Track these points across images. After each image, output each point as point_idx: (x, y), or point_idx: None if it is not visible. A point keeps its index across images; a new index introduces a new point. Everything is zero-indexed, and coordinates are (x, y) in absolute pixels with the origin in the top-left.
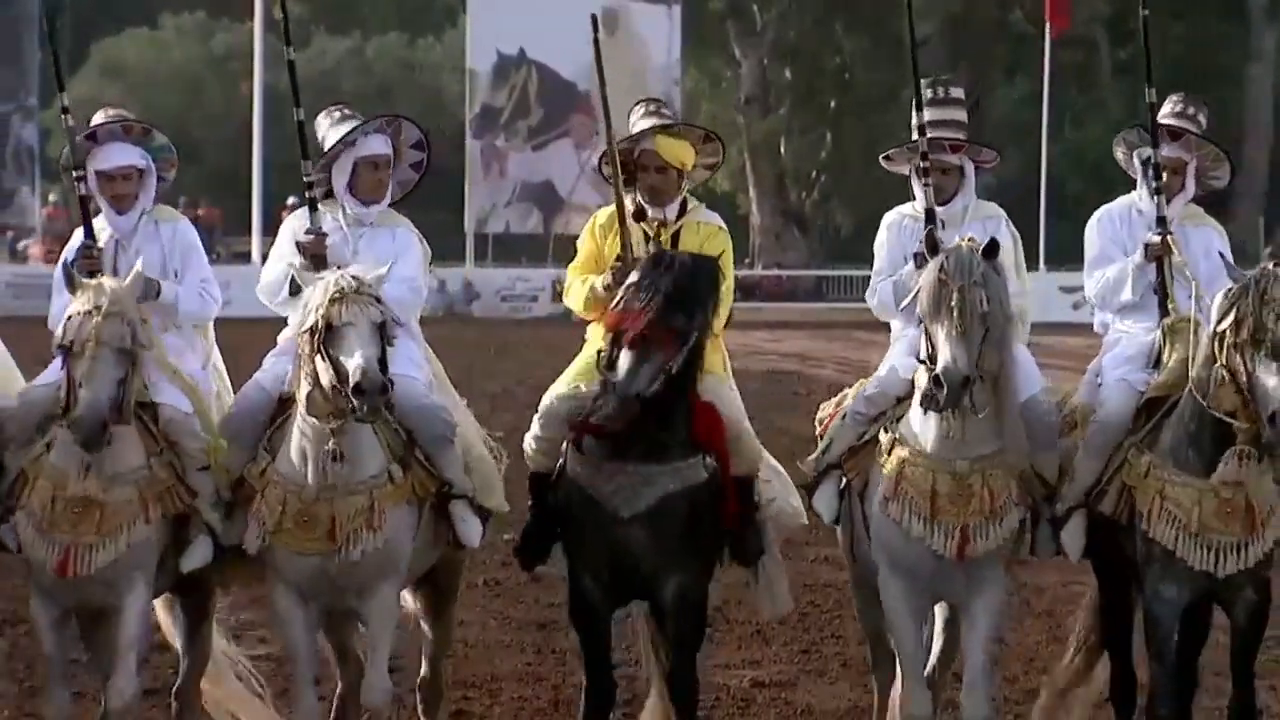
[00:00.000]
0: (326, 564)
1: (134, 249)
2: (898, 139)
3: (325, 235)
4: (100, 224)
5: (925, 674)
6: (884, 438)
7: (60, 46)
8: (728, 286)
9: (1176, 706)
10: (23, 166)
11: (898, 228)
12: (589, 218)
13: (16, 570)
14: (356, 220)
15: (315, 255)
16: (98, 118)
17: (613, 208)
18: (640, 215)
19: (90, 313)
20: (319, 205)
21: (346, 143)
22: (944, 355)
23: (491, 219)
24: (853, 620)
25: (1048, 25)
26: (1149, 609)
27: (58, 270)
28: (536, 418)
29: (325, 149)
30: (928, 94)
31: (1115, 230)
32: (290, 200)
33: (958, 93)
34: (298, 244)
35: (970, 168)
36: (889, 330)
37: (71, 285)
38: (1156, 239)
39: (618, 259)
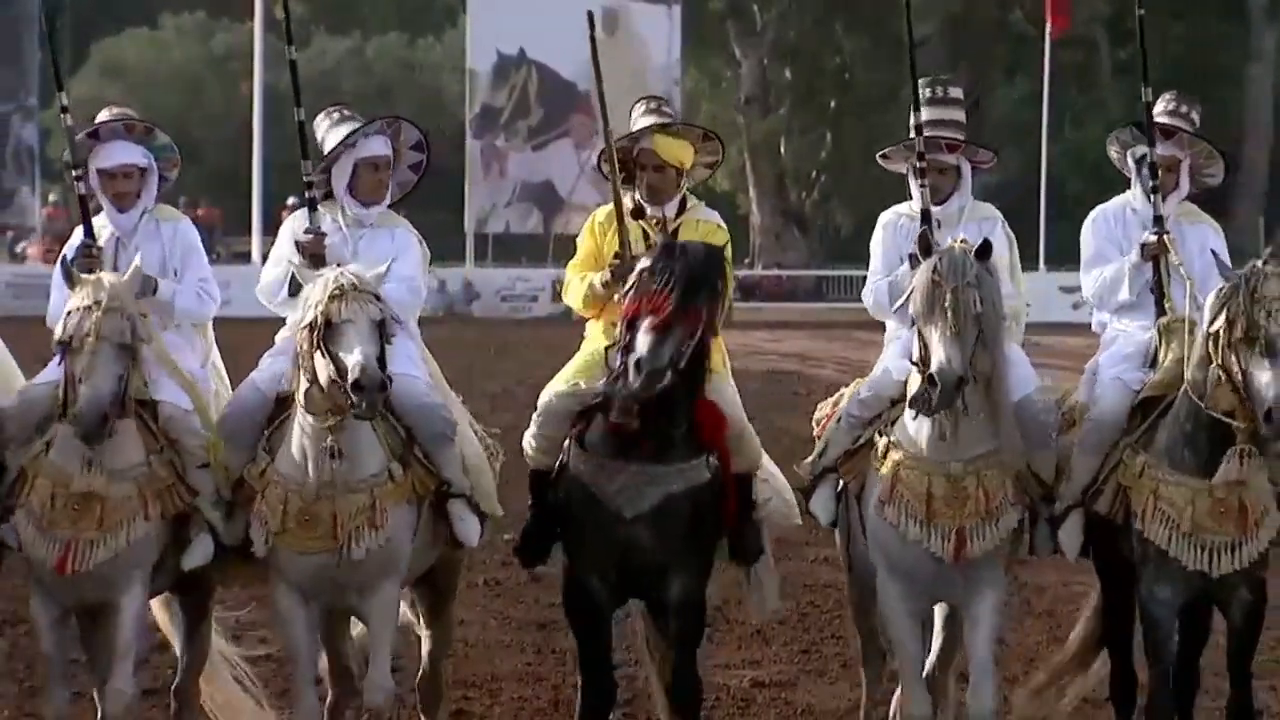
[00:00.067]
0: (329, 563)
1: (134, 247)
2: (898, 139)
3: (324, 235)
4: (101, 222)
5: (924, 674)
6: (879, 441)
7: (60, 46)
8: (730, 280)
9: (1176, 707)
10: (23, 166)
11: (894, 227)
12: (589, 217)
13: (16, 570)
14: (356, 221)
15: (314, 255)
16: (101, 116)
17: (612, 206)
18: (639, 213)
19: (90, 308)
20: (319, 206)
21: (347, 144)
22: (938, 356)
23: (491, 219)
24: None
25: (1048, 25)
26: (1145, 609)
27: (57, 268)
28: (535, 415)
29: (325, 150)
30: (926, 93)
31: (1111, 230)
32: (290, 200)
33: (956, 92)
34: (297, 243)
35: (967, 168)
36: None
37: (70, 281)
38: (1153, 238)
39: (616, 256)
